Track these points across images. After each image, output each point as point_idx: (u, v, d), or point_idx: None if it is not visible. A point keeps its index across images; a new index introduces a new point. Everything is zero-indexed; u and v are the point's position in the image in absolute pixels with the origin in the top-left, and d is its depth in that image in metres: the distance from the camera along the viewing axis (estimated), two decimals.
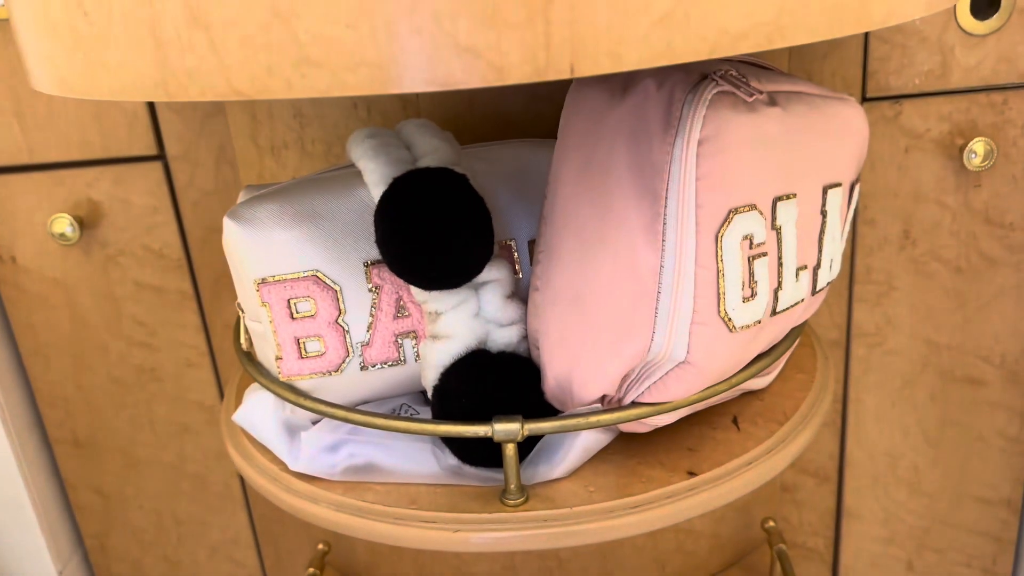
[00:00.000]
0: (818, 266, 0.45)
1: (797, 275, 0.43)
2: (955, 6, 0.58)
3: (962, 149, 0.60)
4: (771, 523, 0.67)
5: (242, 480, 0.73)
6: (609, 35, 0.28)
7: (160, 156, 0.62)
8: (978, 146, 0.60)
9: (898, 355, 0.67)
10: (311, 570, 0.67)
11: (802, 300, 0.44)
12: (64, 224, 0.62)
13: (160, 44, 0.30)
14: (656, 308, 0.38)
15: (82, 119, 0.61)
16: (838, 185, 0.45)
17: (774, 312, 0.41)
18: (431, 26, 0.27)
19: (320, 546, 0.69)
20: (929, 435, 0.70)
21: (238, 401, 0.51)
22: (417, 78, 0.28)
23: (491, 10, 0.27)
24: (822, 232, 0.44)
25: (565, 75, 0.28)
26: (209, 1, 0.28)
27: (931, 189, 0.63)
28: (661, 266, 0.37)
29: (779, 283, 0.41)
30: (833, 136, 0.44)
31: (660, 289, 0.37)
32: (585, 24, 0.27)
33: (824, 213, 0.44)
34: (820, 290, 0.46)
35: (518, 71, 0.28)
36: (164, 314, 0.66)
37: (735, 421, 0.47)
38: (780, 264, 0.41)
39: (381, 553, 0.68)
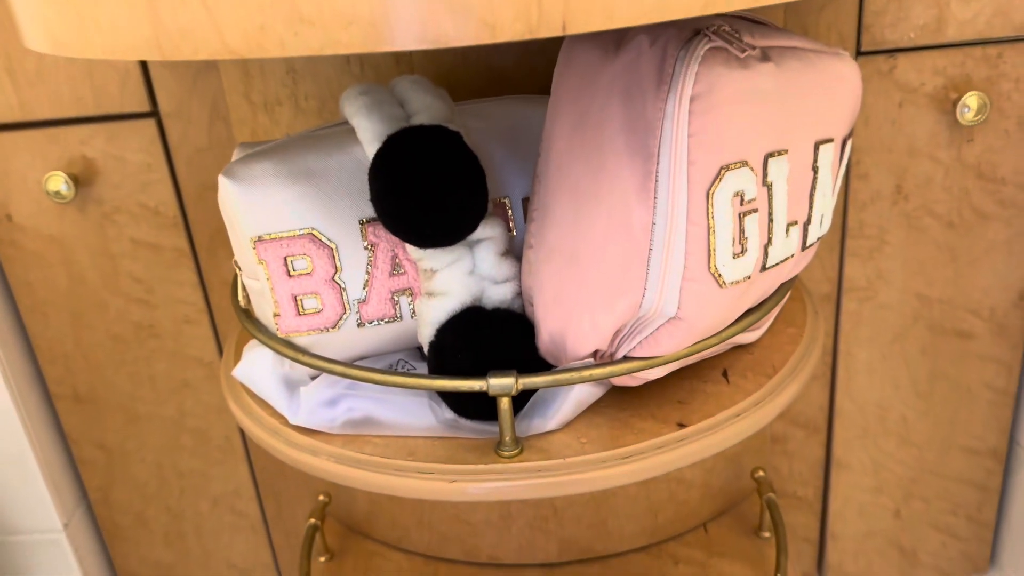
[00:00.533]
0: (808, 222, 0.45)
1: (787, 231, 0.43)
2: None
3: (956, 103, 0.60)
4: (761, 473, 0.68)
5: (242, 434, 0.74)
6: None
7: (153, 113, 0.62)
8: (971, 100, 0.60)
9: (889, 309, 0.68)
10: (312, 520, 0.68)
11: (792, 255, 0.44)
12: (59, 182, 0.62)
13: (153, 3, 0.30)
14: (648, 265, 0.38)
15: (74, 76, 0.61)
16: (830, 141, 0.45)
17: (764, 268, 0.42)
18: None
19: (321, 497, 0.70)
20: (919, 387, 0.71)
21: (237, 357, 0.51)
22: (409, 36, 0.28)
23: None
24: (813, 188, 0.45)
25: (557, 32, 0.28)
26: None
27: (924, 144, 0.63)
28: (653, 223, 0.38)
29: (769, 239, 0.42)
30: (826, 92, 0.44)
31: (652, 246, 0.38)
32: None
33: (815, 169, 0.44)
34: (810, 245, 0.46)
35: (510, 29, 0.28)
36: (161, 271, 0.67)
37: (725, 374, 0.48)
38: (770, 220, 0.41)
39: (381, 503, 0.69)
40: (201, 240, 0.66)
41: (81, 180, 0.63)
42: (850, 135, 0.47)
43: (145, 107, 0.62)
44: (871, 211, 0.65)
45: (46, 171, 0.63)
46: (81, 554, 0.76)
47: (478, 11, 0.28)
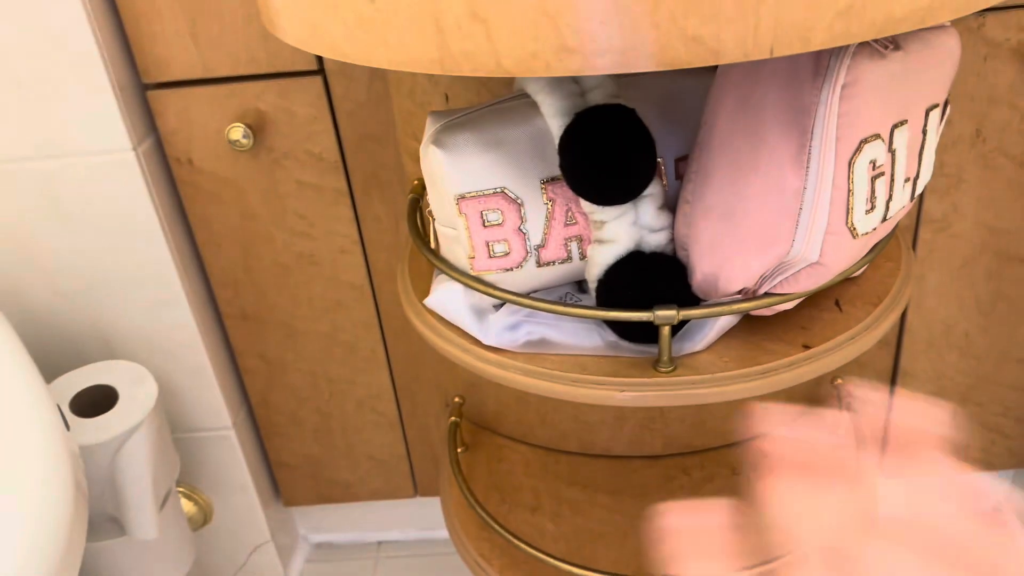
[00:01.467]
0: (917, 176, 0.54)
1: (903, 186, 0.52)
2: None
3: None
4: (839, 381, 0.79)
5: (385, 345, 0.85)
6: (804, 25, 0.36)
7: (320, 71, 0.71)
8: None
9: (960, 238, 0.77)
10: (452, 418, 0.80)
11: (905, 206, 0.53)
12: (239, 132, 0.71)
13: (441, 31, 0.38)
14: (798, 221, 0.47)
15: (250, 38, 0.69)
16: (936, 106, 0.53)
17: (884, 219, 0.51)
18: (667, 22, 0.36)
19: (456, 399, 0.82)
20: (982, 307, 0.81)
21: (419, 291, 0.62)
22: (651, 61, 0.37)
23: (716, 10, 0.35)
24: (922, 148, 0.53)
25: (766, 56, 0.37)
26: (488, 1, 0.37)
27: (1004, 93, 0.70)
28: (804, 187, 0.46)
29: (891, 195, 0.50)
30: (937, 65, 0.52)
31: (802, 206, 0.47)
32: (786, 17, 0.36)
33: (925, 132, 0.53)
34: (918, 194, 0.55)
35: (730, 54, 0.36)
36: (322, 208, 0.76)
37: (838, 304, 0.57)
38: (892, 180, 0.50)
39: (508, 404, 0.81)
40: (357, 182, 0.75)
41: (256, 130, 0.72)
42: (948, 96, 0.55)
43: (313, 66, 0.70)
44: (951, 152, 0.73)
45: (224, 122, 0.72)
46: (245, 448, 0.89)
47: (708, 42, 0.36)
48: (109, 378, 0.76)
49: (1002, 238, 0.77)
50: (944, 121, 0.56)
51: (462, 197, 0.53)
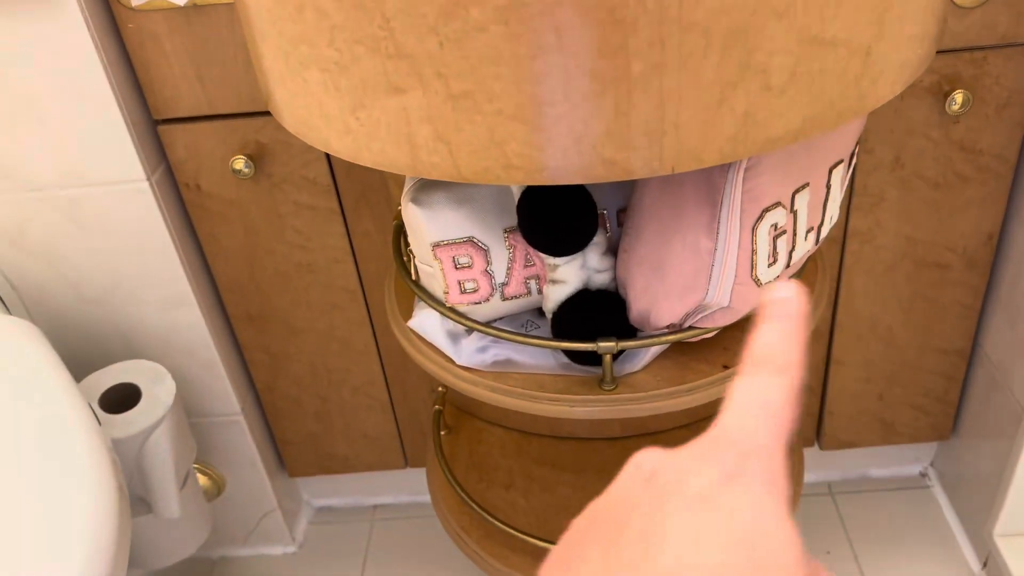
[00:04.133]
0: (821, 224, 0.64)
1: (806, 236, 0.62)
2: None
3: (947, 95, 0.76)
4: None
5: (376, 340, 0.96)
6: (698, 149, 0.45)
7: None
8: (959, 96, 0.76)
9: (884, 248, 0.87)
10: (436, 407, 0.91)
11: (809, 250, 0.63)
12: (241, 163, 0.80)
13: (413, 147, 0.47)
14: (710, 276, 0.57)
15: (250, 80, 0.77)
16: (842, 161, 0.63)
17: (788, 265, 0.61)
18: (589, 151, 0.45)
19: (440, 388, 0.93)
20: (903, 305, 0.91)
21: (397, 310, 0.72)
22: (577, 178, 0.46)
23: (629, 141, 0.45)
24: (826, 200, 0.63)
25: (668, 172, 0.46)
26: (449, 127, 0.46)
27: (919, 125, 0.79)
28: (715, 249, 0.56)
29: (793, 246, 0.60)
30: (840, 131, 0.61)
31: (713, 264, 0.57)
32: (684, 145, 0.45)
33: (828, 187, 0.62)
34: (823, 238, 0.65)
35: (639, 172, 0.46)
36: (317, 225, 0.86)
37: None
38: (794, 235, 0.60)
39: None
40: (348, 202, 0.85)
41: (256, 159, 0.81)
42: (857, 145, 0.64)
43: None
44: (874, 176, 0.82)
45: (228, 152, 0.81)
46: (253, 429, 1.00)
47: (621, 163, 0.45)
48: (132, 377, 0.86)
49: (919, 247, 0.87)
50: (851, 169, 0.65)
51: (437, 245, 0.63)
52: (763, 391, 0.25)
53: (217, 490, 1.03)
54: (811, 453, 1.06)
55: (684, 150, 0.45)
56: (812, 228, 0.62)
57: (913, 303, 0.91)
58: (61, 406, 0.68)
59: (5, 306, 0.85)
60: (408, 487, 1.14)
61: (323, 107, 0.50)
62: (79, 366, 0.89)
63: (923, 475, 1.10)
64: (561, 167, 0.46)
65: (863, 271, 0.89)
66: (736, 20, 0.42)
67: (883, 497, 1.07)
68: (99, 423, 0.71)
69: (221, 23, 0.74)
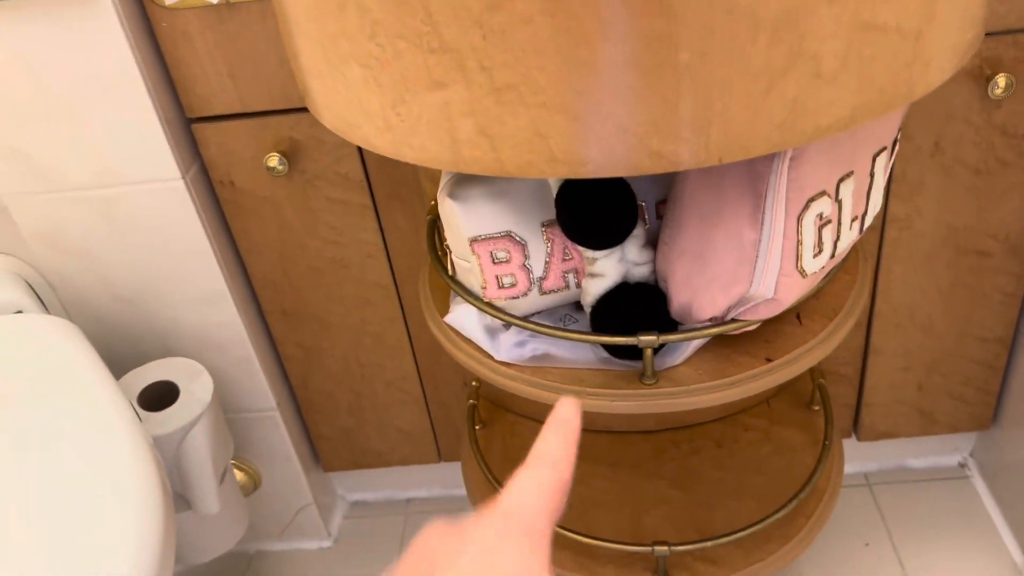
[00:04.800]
0: (865, 213, 0.62)
1: (851, 225, 0.61)
2: None
3: (988, 80, 0.75)
4: (821, 380, 0.88)
5: (409, 335, 0.96)
6: (745, 139, 0.45)
7: None
8: (1001, 79, 0.74)
9: (923, 236, 0.86)
10: (471, 401, 0.91)
11: (854, 239, 0.62)
12: (275, 160, 0.80)
13: (455, 142, 0.47)
14: (754, 267, 0.56)
15: (283, 78, 0.77)
16: (884, 148, 0.62)
17: (833, 255, 0.60)
18: (635, 142, 0.44)
19: (473, 383, 0.93)
20: (943, 293, 0.90)
21: (434, 305, 0.71)
22: (623, 170, 0.45)
23: (676, 132, 0.44)
24: (870, 188, 0.62)
25: (715, 163, 0.45)
26: (492, 121, 0.45)
27: (960, 110, 0.78)
28: (759, 240, 0.56)
29: (838, 236, 0.59)
30: (883, 118, 0.60)
31: (758, 255, 0.56)
32: (731, 135, 0.44)
33: (872, 175, 0.61)
34: (867, 227, 0.64)
35: (686, 164, 0.45)
36: (350, 220, 0.86)
37: (798, 317, 0.67)
38: (839, 224, 0.59)
39: None
40: (380, 197, 0.85)
41: (289, 156, 0.81)
42: (899, 133, 0.63)
43: None
44: (913, 162, 0.81)
45: (261, 150, 0.81)
46: (288, 424, 1.01)
47: (668, 156, 0.45)
48: (169, 374, 0.86)
49: (960, 234, 0.85)
50: (894, 156, 0.64)
51: (475, 240, 0.62)
52: (538, 480, 0.32)
53: (254, 485, 1.03)
54: (849, 444, 1.05)
55: (731, 140, 0.44)
56: (856, 217, 0.61)
57: (953, 291, 0.89)
58: (104, 405, 0.69)
59: (43, 305, 0.86)
60: (442, 480, 1.14)
61: (363, 103, 0.49)
62: (116, 364, 0.90)
63: (963, 465, 1.08)
64: (606, 160, 0.45)
65: (902, 259, 0.87)
66: (786, 5, 0.41)
67: (922, 488, 1.06)
68: (140, 421, 0.71)
69: (253, 20, 0.73)
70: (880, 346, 0.94)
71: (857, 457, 1.09)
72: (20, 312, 0.80)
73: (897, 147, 0.64)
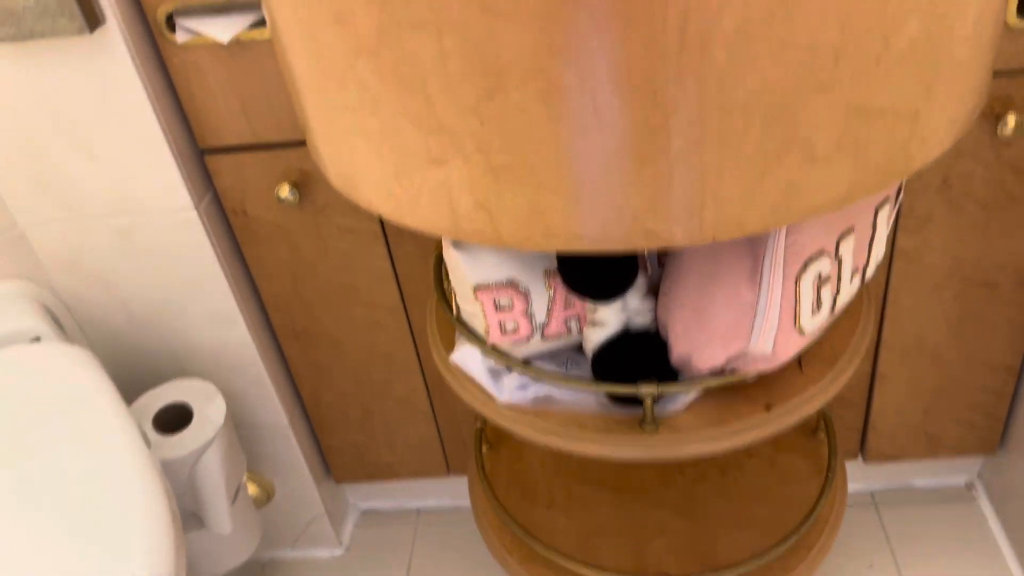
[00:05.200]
0: (867, 264, 0.63)
1: (851, 279, 0.61)
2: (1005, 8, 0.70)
3: (998, 118, 0.74)
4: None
5: (418, 355, 0.97)
6: (739, 220, 0.45)
7: None
8: (1011, 118, 0.74)
9: (931, 268, 0.85)
10: (478, 424, 0.92)
11: (855, 291, 0.62)
12: (286, 191, 0.81)
13: (454, 213, 0.48)
14: (752, 326, 0.57)
15: (294, 112, 0.78)
16: (887, 201, 0.62)
17: (833, 310, 0.60)
18: (630, 221, 0.45)
19: None
20: (951, 323, 0.90)
21: (438, 340, 0.73)
22: (618, 246, 0.46)
23: (669, 213, 0.44)
24: (872, 240, 0.62)
25: (708, 241, 0.46)
26: (491, 196, 0.46)
27: (969, 147, 0.77)
28: (757, 300, 0.56)
29: (837, 291, 0.60)
30: None
31: (755, 315, 0.57)
32: (724, 215, 0.45)
33: (874, 226, 0.61)
34: (869, 278, 0.64)
35: (680, 242, 0.46)
36: (360, 247, 0.87)
37: (800, 363, 0.67)
38: (839, 280, 0.59)
39: None
40: (390, 225, 0.86)
41: (300, 187, 0.82)
42: (902, 183, 0.63)
43: None
44: (921, 197, 0.81)
45: (273, 180, 0.82)
46: (299, 438, 1.03)
47: (662, 234, 0.45)
48: (183, 396, 0.88)
49: (968, 266, 0.85)
50: (898, 203, 0.64)
51: (478, 287, 0.63)
52: None
53: (266, 497, 1.06)
54: (854, 465, 1.06)
55: (725, 220, 0.45)
56: (857, 269, 0.61)
57: (961, 321, 0.89)
58: (114, 433, 0.71)
59: (61, 327, 0.88)
60: (451, 492, 1.16)
61: (366, 170, 0.50)
62: (132, 384, 0.92)
63: (969, 487, 1.09)
64: (602, 237, 0.46)
65: (910, 290, 0.87)
66: (778, 98, 0.41)
67: (928, 509, 1.07)
68: (149, 447, 0.73)
69: (264, 57, 0.74)
70: (887, 373, 0.95)
71: (863, 477, 1.09)
72: (38, 339, 0.82)
73: (901, 195, 0.64)
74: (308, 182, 0.83)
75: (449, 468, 1.09)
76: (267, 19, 0.51)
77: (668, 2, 0.38)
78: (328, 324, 0.94)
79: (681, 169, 0.43)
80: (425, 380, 1.00)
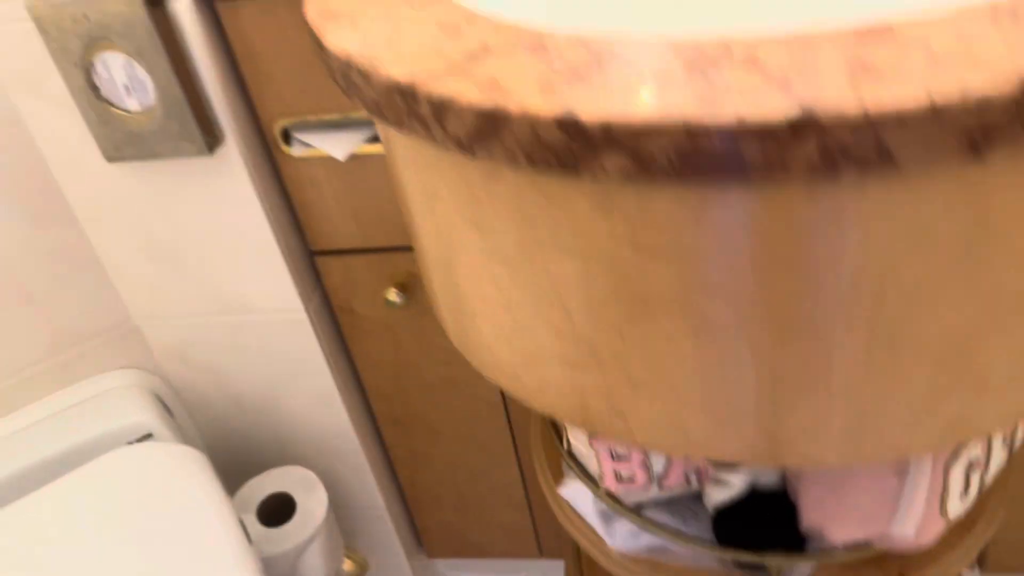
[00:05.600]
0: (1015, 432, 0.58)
1: (1001, 450, 0.56)
2: None
3: None
4: None
5: (516, 448, 0.95)
6: (897, 447, 0.42)
7: None
8: None
9: None
10: None
11: (1003, 459, 0.58)
12: (393, 294, 0.81)
13: (587, 412, 0.46)
14: (895, 512, 0.53)
15: (402, 219, 0.77)
16: None
17: (981, 490, 0.56)
18: (782, 444, 0.42)
19: None
20: None
21: (550, 462, 0.71)
22: (761, 462, 0.43)
23: (827, 440, 0.41)
24: None
25: (864, 463, 0.43)
26: (627, 404, 0.44)
27: None
28: (903, 489, 0.52)
29: (987, 469, 0.55)
30: None
31: (899, 502, 0.53)
32: (885, 444, 0.41)
33: None
34: (1018, 445, 0.59)
35: (832, 464, 0.43)
36: None
37: None
38: (988, 458, 0.55)
39: None
40: None
41: (407, 289, 0.82)
42: None
43: None
44: None
45: (380, 282, 0.82)
46: (395, 519, 1.03)
47: (814, 455, 0.42)
48: (286, 485, 0.89)
49: None
50: None
51: (593, 435, 0.61)
52: None
53: (360, 571, 1.06)
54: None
55: (885, 446, 0.42)
56: (1005, 439, 0.57)
57: None
58: (217, 535, 0.71)
59: (171, 413, 0.90)
60: (543, 569, 1.14)
61: (493, 352, 0.49)
62: (238, 469, 0.93)
63: None
64: (750, 455, 0.43)
65: None
66: (954, 339, 0.38)
67: None
68: (251, 542, 0.74)
69: (376, 170, 0.74)
70: (1018, 493, 0.89)
71: None
72: (149, 435, 0.83)
73: None
74: (414, 284, 0.82)
75: (542, 551, 1.08)
76: (402, 209, 0.49)
77: (842, 255, 0.35)
78: (427, 413, 0.93)
79: (841, 403, 0.40)
80: (522, 472, 0.98)
